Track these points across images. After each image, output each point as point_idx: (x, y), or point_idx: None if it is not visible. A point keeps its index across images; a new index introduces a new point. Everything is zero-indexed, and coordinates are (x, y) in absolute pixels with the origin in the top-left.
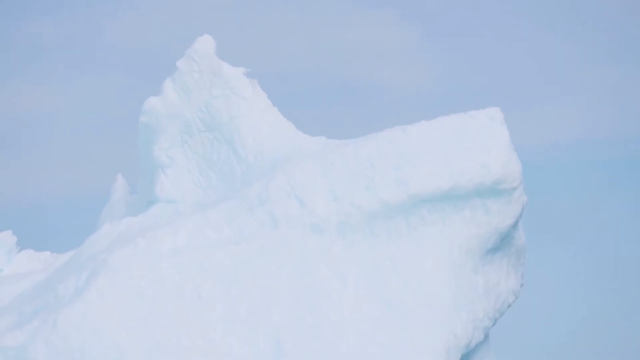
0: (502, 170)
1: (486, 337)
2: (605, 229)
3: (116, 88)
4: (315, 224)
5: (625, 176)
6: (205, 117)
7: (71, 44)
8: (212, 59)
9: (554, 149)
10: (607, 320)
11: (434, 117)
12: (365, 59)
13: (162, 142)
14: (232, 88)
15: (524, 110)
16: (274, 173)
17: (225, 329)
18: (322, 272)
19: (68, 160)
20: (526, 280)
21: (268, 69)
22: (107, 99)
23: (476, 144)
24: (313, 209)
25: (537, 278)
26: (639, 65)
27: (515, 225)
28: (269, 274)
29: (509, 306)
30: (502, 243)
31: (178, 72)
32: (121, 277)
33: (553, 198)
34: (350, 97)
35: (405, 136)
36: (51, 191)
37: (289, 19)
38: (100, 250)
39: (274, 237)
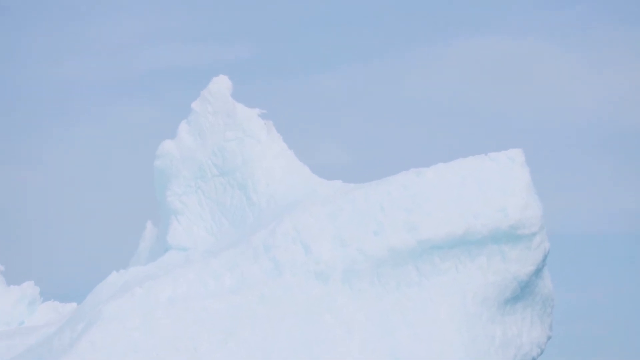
0: (520, 214)
1: None
2: None
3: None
4: (320, 271)
5: None
6: (219, 161)
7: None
8: (226, 100)
9: None
10: None
11: None
12: None
13: (176, 188)
14: (245, 130)
15: None
16: (281, 218)
17: None
18: (326, 322)
19: (102, 208)
20: (557, 332)
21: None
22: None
23: (494, 186)
24: (318, 255)
25: (570, 330)
26: None
27: (537, 273)
28: (269, 324)
29: None
30: (523, 292)
31: (193, 113)
32: (114, 328)
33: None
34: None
35: (419, 179)
36: (85, 240)
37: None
38: (102, 300)
39: (275, 285)
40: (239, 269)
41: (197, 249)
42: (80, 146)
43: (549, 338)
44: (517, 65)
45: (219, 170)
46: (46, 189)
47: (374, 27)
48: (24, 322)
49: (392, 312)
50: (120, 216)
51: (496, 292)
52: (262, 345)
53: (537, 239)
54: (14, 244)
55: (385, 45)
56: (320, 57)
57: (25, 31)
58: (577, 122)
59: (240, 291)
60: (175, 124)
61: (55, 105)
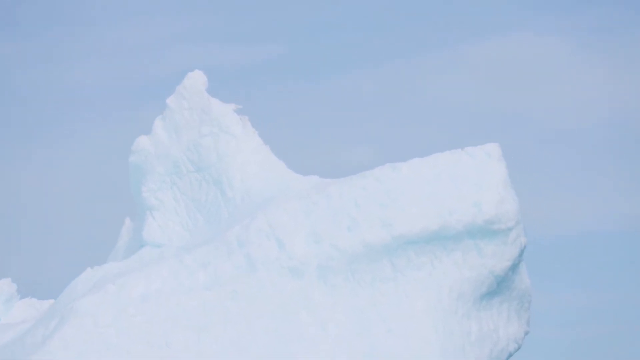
0: (496, 209)
1: None
2: None
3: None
4: (294, 267)
5: None
6: (194, 157)
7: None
8: (202, 95)
9: None
10: None
11: None
12: None
13: (151, 184)
14: (221, 126)
15: None
16: (255, 214)
17: None
18: (300, 318)
19: (82, 204)
20: (535, 328)
21: None
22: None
23: (469, 181)
24: (292, 251)
25: (549, 325)
26: None
27: (513, 268)
28: (242, 321)
29: (509, 355)
30: (499, 287)
31: (168, 109)
32: (87, 325)
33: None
34: None
35: (395, 174)
36: (63, 237)
37: None
38: (76, 297)
39: (249, 281)
40: (212, 265)
41: (172, 245)
42: (80, 148)
43: (526, 333)
44: (534, 65)
45: (194, 166)
46: (25, 185)
47: (393, 28)
48: (0, 320)
49: (367, 308)
50: (101, 212)
51: (472, 288)
52: (236, 341)
53: (513, 234)
54: None
55: (405, 45)
56: (346, 57)
57: (42, 33)
58: (590, 122)
59: (213, 287)
60: None
61: (79, 106)
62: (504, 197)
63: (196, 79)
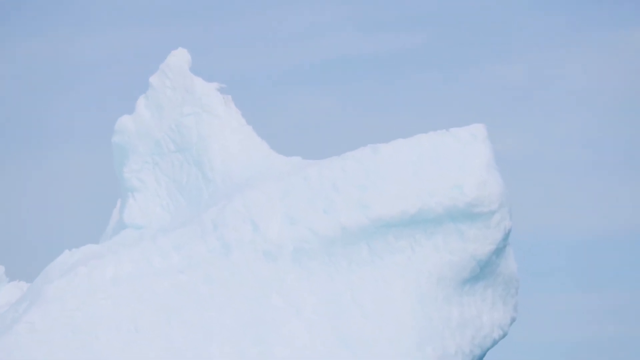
0: (477, 191)
1: None
2: None
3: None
4: (268, 250)
5: None
6: (176, 137)
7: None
8: (185, 74)
9: None
10: None
11: None
12: None
13: (132, 164)
14: (203, 105)
15: None
16: (232, 196)
17: None
18: (274, 303)
19: (74, 185)
20: (525, 314)
21: None
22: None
23: (452, 163)
24: (266, 234)
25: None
26: None
27: (498, 252)
28: (215, 305)
29: (494, 341)
30: (483, 272)
31: (151, 88)
32: (54, 309)
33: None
34: None
35: (376, 155)
36: (54, 219)
37: None
38: (49, 280)
39: (223, 264)
40: (186, 247)
41: (152, 227)
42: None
43: (513, 319)
44: None
45: (176, 146)
46: (16, 167)
47: (548, 16)
48: None
49: (343, 293)
50: (94, 193)
51: (453, 272)
52: (208, 326)
53: (497, 217)
54: None
55: (558, 34)
56: (497, 45)
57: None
58: None
59: (186, 271)
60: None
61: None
62: (487, 179)
63: (180, 57)
